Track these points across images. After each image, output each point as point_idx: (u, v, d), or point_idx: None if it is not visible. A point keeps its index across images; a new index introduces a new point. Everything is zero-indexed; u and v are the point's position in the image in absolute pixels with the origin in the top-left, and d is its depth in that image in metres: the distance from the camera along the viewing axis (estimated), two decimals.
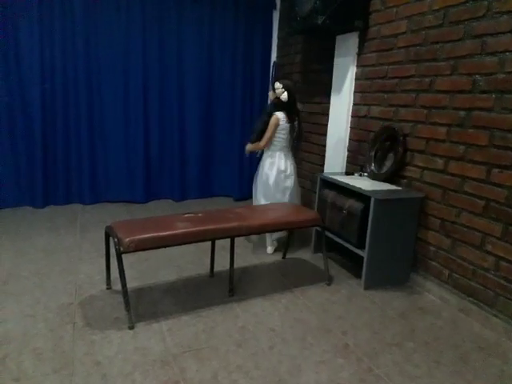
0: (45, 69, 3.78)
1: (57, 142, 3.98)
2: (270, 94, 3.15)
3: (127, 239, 2.01)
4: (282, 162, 3.06)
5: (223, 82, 4.49)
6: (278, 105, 3.01)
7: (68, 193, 4.14)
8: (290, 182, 3.09)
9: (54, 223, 3.59)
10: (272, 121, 2.97)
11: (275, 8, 4.48)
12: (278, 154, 3.07)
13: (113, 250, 2.10)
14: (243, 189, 4.76)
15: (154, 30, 4.07)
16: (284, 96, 2.95)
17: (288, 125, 3.00)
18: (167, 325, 2.11)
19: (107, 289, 2.46)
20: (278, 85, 2.99)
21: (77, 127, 4.02)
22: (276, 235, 3.16)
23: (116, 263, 2.05)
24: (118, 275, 2.07)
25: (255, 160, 4.76)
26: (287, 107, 3.00)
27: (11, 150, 3.84)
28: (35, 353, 1.84)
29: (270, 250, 3.16)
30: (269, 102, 3.23)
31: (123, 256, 2.04)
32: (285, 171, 3.06)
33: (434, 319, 2.30)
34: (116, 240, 2.04)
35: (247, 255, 3.08)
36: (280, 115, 2.98)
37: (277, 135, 3.01)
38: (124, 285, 2.06)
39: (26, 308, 2.21)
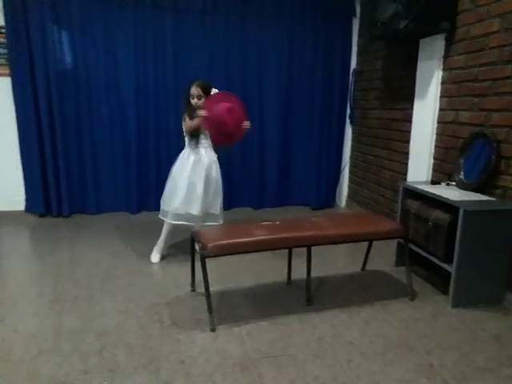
0: (139, 81, 4.10)
1: (149, 154, 4.31)
2: (200, 102, 2.91)
3: (210, 244, 2.12)
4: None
5: (302, 91, 4.52)
6: None
7: (158, 200, 4.44)
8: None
9: (145, 228, 3.88)
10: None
11: (355, 15, 4.42)
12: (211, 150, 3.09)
13: (198, 254, 2.23)
14: (321, 198, 4.73)
15: (236, 41, 4.23)
16: None
17: None
18: (246, 329, 2.18)
19: (192, 291, 2.61)
20: (215, 90, 3.00)
21: (166, 141, 4.30)
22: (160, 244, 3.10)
23: (200, 267, 2.17)
24: (201, 278, 2.19)
25: (333, 169, 4.75)
26: None
27: (110, 163, 4.26)
28: (127, 347, 2.01)
29: (155, 257, 3.09)
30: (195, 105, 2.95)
31: (206, 260, 2.15)
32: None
33: None
34: (200, 245, 2.16)
35: (324, 265, 3.05)
36: None
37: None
38: (207, 288, 2.17)
39: (120, 305, 2.43)
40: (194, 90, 2.91)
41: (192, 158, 2.98)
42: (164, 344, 2.04)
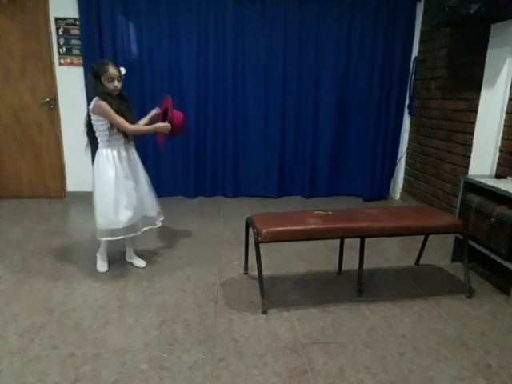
0: (200, 70, 4.24)
1: (206, 142, 4.47)
2: (119, 85, 2.48)
3: (264, 230, 2.18)
4: None
5: (359, 79, 4.41)
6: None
7: (214, 186, 4.64)
8: None
9: (201, 212, 4.04)
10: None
11: (419, 0, 4.22)
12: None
13: (251, 239, 2.30)
14: (374, 189, 4.64)
15: (294, 28, 4.20)
16: None
17: None
18: (297, 315, 2.22)
19: (244, 274, 2.70)
20: (122, 69, 2.53)
21: (223, 130, 4.44)
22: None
23: (253, 251, 2.24)
24: (254, 262, 2.26)
25: (388, 160, 4.63)
26: None
27: (170, 150, 4.43)
28: (185, 323, 2.13)
29: (101, 266, 2.75)
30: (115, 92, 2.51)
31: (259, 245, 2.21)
32: None
33: None
34: (255, 230, 2.23)
35: (377, 257, 3.01)
36: None
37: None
38: (260, 272, 2.23)
39: (178, 283, 2.57)
40: (115, 71, 2.42)
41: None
42: (218, 322, 2.14)
